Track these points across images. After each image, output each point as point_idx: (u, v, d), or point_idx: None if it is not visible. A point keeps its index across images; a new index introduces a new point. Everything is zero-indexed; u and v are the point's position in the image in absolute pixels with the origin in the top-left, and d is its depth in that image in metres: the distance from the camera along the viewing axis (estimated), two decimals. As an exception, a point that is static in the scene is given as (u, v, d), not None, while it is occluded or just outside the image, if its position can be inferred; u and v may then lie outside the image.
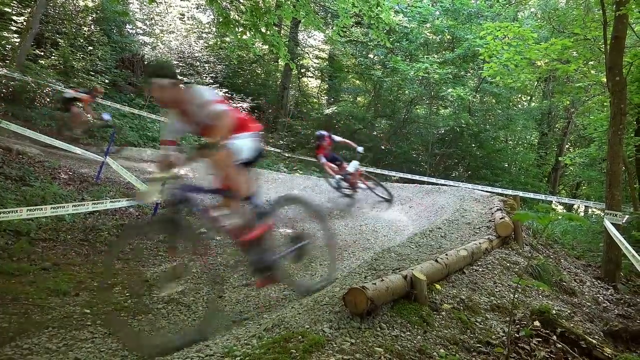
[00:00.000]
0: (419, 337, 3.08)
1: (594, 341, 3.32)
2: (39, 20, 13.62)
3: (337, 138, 10.12)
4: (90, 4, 17.06)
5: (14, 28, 13.69)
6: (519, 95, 22.82)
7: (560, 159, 18.77)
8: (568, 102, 18.76)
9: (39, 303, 4.15)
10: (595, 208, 13.93)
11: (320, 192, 11.27)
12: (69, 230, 6.07)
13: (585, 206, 18.84)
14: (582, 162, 15.08)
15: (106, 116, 12.06)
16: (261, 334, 3.00)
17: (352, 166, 9.72)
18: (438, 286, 3.94)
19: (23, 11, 14.31)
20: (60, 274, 4.87)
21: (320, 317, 3.12)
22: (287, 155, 17.68)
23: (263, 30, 8.58)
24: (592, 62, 10.80)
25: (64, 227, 6.09)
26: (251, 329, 3.39)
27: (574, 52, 9.77)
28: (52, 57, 14.42)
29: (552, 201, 15.41)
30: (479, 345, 3.17)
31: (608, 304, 5.73)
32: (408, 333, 3.09)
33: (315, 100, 23.50)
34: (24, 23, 13.65)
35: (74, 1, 16.79)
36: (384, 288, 3.25)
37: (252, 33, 8.70)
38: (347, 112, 20.13)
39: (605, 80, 8.11)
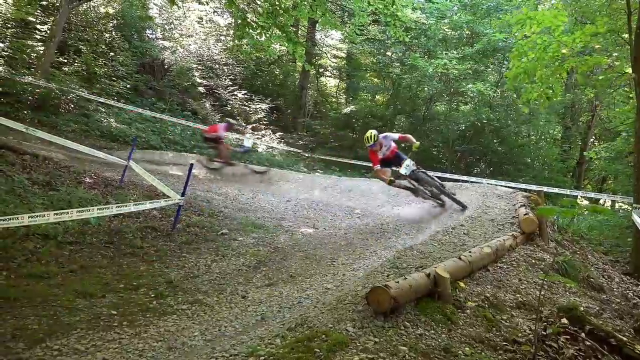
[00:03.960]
0: (443, 335, 3.05)
1: (624, 338, 3.24)
2: (62, 28, 13.92)
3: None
4: (111, 11, 17.37)
5: (38, 37, 14.02)
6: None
7: (585, 153, 18.32)
8: (592, 95, 18.33)
9: (67, 305, 4.23)
10: (623, 202, 13.58)
11: (340, 191, 11.26)
12: (95, 233, 6.17)
13: (612, 200, 18.37)
14: (608, 156, 14.71)
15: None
16: (285, 333, 3.01)
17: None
18: (462, 284, 3.90)
19: (46, 20, 14.63)
20: (87, 276, 4.97)
21: (343, 316, 3.11)
22: (306, 155, 17.70)
23: (284, 29, 8.62)
24: (616, 54, 10.53)
25: (89, 230, 6.20)
26: (275, 328, 3.41)
27: (597, 46, 9.51)
28: (75, 64, 14.71)
29: (577, 196, 15.10)
30: (505, 343, 3.13)
31: (638, 300, 5.59)
32: (432, 331, 3.07)
33: (334, 99, 23.49)
34: (48, 31, 13.97)
35: (96, 9, 17.12)
36: (407, 286, 3.23)
37: (269, 34, 8.74)
38: (366, 110, 20.04)
39: (630, 71, 7.91)
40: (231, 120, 12.48)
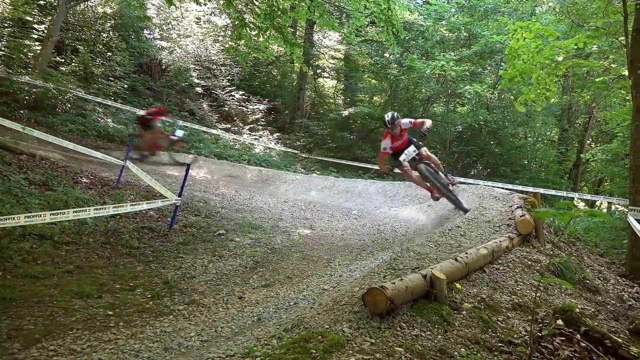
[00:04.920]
0: (439, 336, 3.06)
1: (619, 340, 3.25)
2: (59, 27, 13.89)
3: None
4: (109, 11, 17.36)
5: (36, 36, 14.01)
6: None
7: (581, 155, 18.40)
8: (589, 97, 18.38)
9: (63, 305, 4.23)
10: (619, 204, 13.63)
11: (337, 192, 11.28)
12: (91, 234, 6.17)
13: (608, 202, 18.45)
14: (604, 158, 14.76)
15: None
16: (281, 334, 3.01)
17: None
18: (458, 285, 3.91)
19: (44, 19, 14.62)
20: (83, 277, 4.96)
21: (339, 317, 3.12)
22: (304, 156, 17.70)
23: (282, 31, 8.63)
24: (613, 57, 10.56)
25: (86, 230, 6.19)
26: (271, 329, 3.41)
27: (594, 47, 9.52)
28: (73, 64, 14.69)
29: (573, 198, 15.14)
30: (500, 344, 3.14)
31: (633, 302, 5.61)
32: (428, 332, 3.08)
33: (331, 100, 23.47)
34: (45, 31, 13.95)
35: (93, 8, 17.10)
36: (404, 287, 3.24)
37: (267, 35, 8.75)
38: (364, 112, 20.05)
39: (627, 73, 7.93)
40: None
